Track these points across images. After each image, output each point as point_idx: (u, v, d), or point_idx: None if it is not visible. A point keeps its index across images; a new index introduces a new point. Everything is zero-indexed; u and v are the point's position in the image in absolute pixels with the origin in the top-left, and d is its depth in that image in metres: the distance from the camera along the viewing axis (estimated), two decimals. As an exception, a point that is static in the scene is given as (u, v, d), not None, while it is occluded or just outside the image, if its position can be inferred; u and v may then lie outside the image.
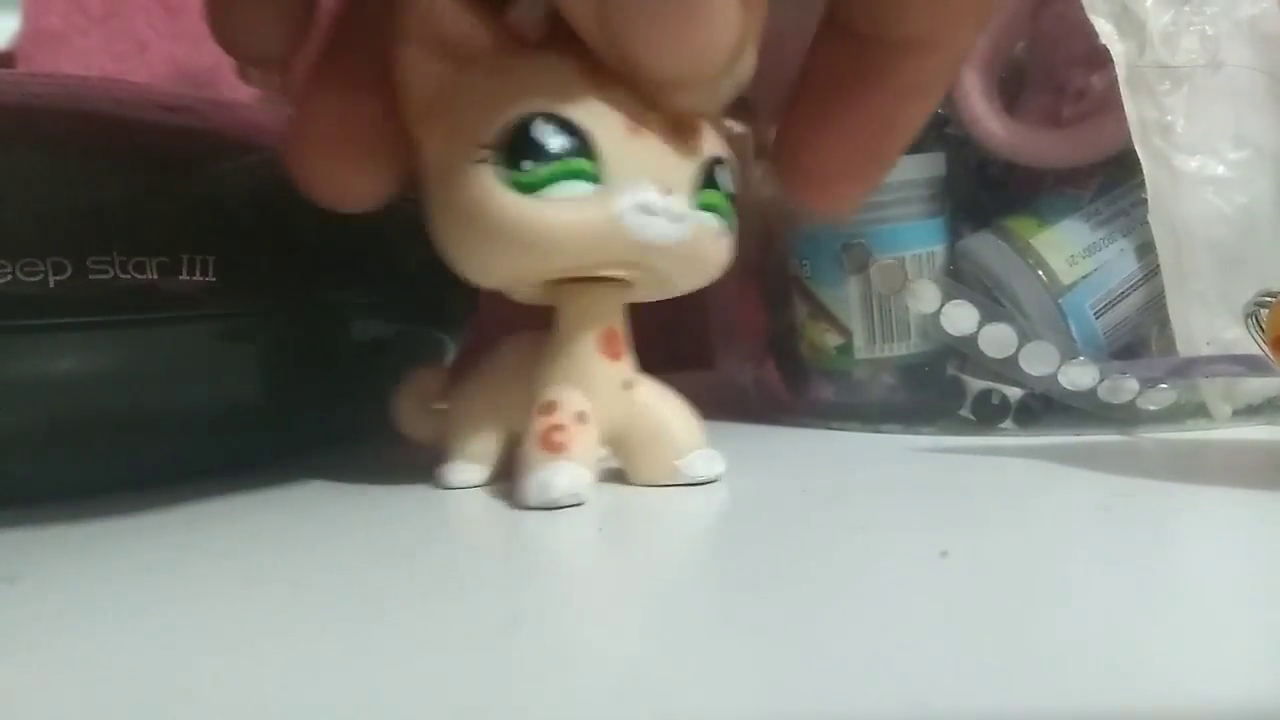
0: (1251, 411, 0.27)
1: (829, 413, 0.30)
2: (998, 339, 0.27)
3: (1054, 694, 0.11)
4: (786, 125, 0.21)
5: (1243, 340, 0.23)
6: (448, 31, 0.20)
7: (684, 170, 0.21)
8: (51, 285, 0.21)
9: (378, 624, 0.15)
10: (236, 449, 0.26)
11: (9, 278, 0.21)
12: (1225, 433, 0.26)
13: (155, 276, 0.22)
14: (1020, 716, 0.11)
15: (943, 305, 0.27)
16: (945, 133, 0.29)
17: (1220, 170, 0.25)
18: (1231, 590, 0.15)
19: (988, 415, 0.27)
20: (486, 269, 0.21)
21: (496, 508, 0.22)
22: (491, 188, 0.19)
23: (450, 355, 0.33)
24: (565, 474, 0.21)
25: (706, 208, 0.21)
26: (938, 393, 0.28)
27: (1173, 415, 0.27)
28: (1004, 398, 0.27)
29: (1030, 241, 0.27)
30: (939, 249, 0.29)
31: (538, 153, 0.19)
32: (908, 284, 0.28)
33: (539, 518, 0.20)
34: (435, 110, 0.20)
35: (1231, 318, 0.25)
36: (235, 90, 0.47)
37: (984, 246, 0.28)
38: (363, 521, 0.21)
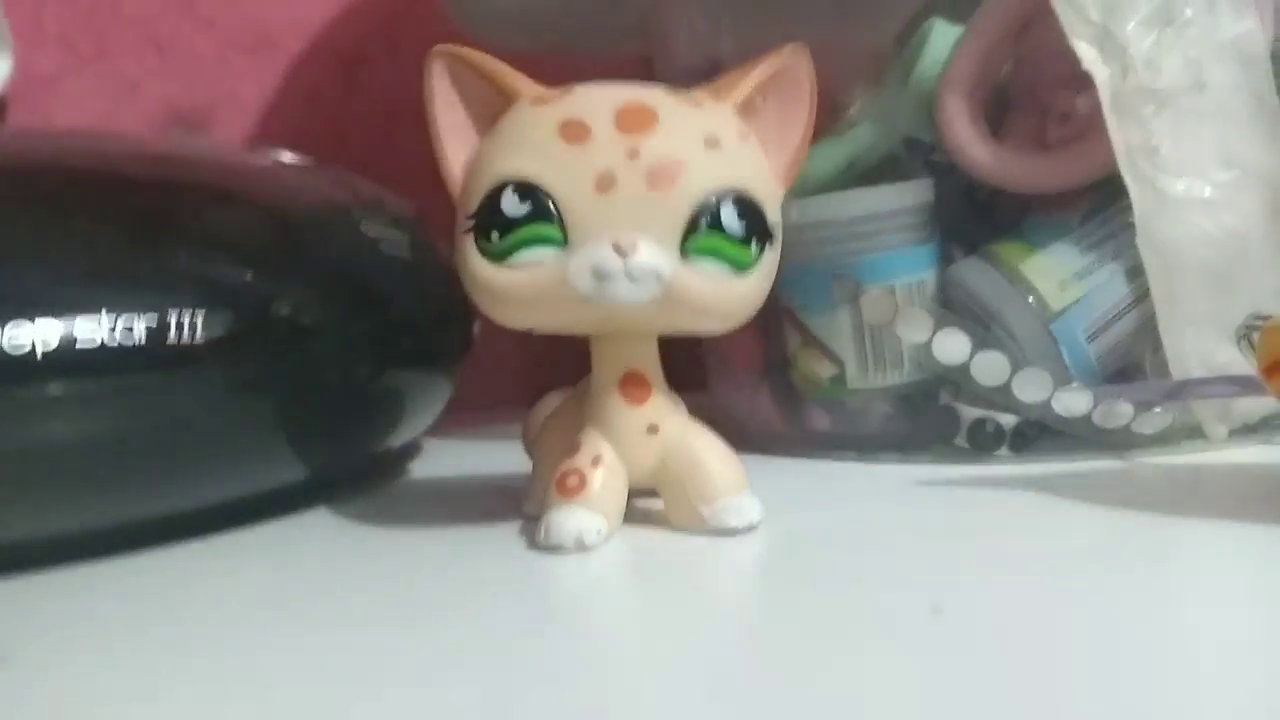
0: (1248, 431, 0.27)
1: (825, 442, 0.30)
2: (990, 367, 0.27)
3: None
4: None
5: (1236, 361, 0.23)
6: (464, 95, 0.21)
7: (667, 219, 0.20)
8: (39, 358, 0.21)
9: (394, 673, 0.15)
10: (235, 499, 0.26)
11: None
12: (1222, 455, 0.26)
13: (143, 339, 0.22)
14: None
15: (934, 334, 0.27)
16: (931, 160, 0.29)
17: (1208, 192, 0.25)
18: (1235, 636, 0.15)
19: (983, 443, 0.27)
20: (499, 319, 0.22)
21: (509, 547, 0.22)
22: (470, 256, 0.21)
23: (447, 394, 0.33)
24: (572, 518, 0.21)
25: (703, 251, 0.20)
26: (932, 421, 0.28)
27: (1168, 438, 0.27)
28: (998, 425, 0.27)
29: (1019, 267, 0.27)
30: (928, 276, 0.28)
31: (502, 222, 0.20)
32: (898, 314, 0.28)
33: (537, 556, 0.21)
34: (459, 176, 0.21)
35: (1224, 339, 0.25)
36: (227, 129, 0.47)
37: (973, 273, 0.28)
38: (371, 565, 0.21)
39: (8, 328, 0.21)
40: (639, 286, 0.20)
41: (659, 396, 0.22)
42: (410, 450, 0.37)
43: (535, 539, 0.21)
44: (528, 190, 0.20)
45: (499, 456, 0.34)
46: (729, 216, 0.21)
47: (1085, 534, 0.20)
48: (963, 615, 0.16)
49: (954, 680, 0.14)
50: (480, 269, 0.21)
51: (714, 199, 0.21)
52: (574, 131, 0.20)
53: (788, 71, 0.22)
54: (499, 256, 0.20)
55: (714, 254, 0.21)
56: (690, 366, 0.37)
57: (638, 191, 0.20)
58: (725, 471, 0.22)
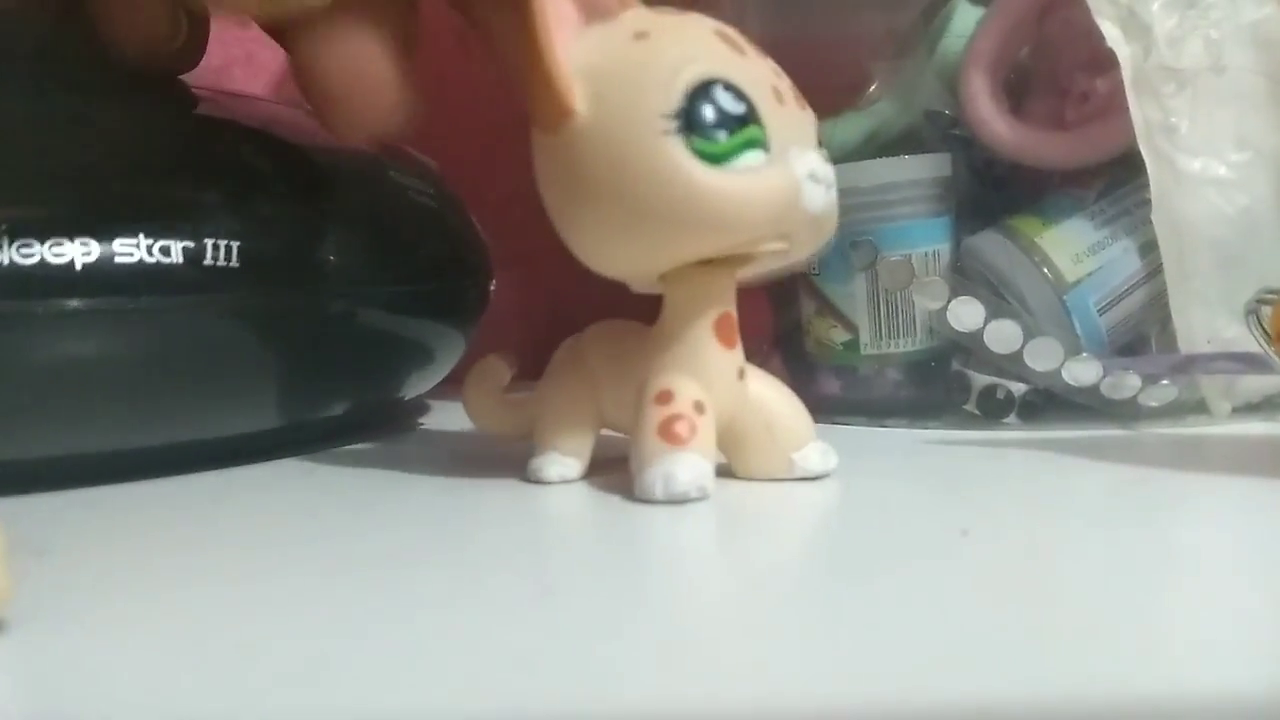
0: (1250, 409, 0.27)
1: (835, 408, 0.30)
2: (1003, 335, 0.27)
3: (1073, 671, 0.11)
4: None
5: (1243, 338, 0.24)
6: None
7: (812, 135, 0.20)
8: (78, 268, 0.21)
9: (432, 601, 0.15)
10: (254, 437, 0.26)
11: (36, 259, 0.21)
12: (1224, 428, 0.27)
13: (180, 261, 0.22)
14: (1041, 689, 0.11)
15: (949, 301, 0.28)
16: (952, 134, 0.29)
17: (1222, 171, 0.26)
18: (1235, 572, 0.15)
19: (992, 410, 0.28)
20: (649, 251, 0.19)
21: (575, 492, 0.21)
22: (681, 162, 0.18)
23: (461, 350, 0.33)
24: (690, 466, 0.19)
25: None
26: (943, 388, 0.29)
27: (1173, 411, 0.27)
28: (1008, 393, 0.28)
29: (1035, 240, 0.28)
30: (945, 247, 0.29)
31: (726, 120, 0.18)
32: (914, 280, 0.28)
33: (586, 504, 0.20)
34: (576, 79, 0.19)
35: (1232, 316, 0.26)
36: (244, 89, 0.47)
37: (990, 245, 0.28)
38: (387, 505, 0.21)
39: (49, 242, 0.21)
40: (831, 192, 0.20)
41: (740, 341, 0.21)
42: (418, 407, 0.38)
43: (642, 493, 0.20)
44: (737, 91, 0.19)
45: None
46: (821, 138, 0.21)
47: (1093, 482, 0.21)
48: (987, 538, 0.17)
49: (976, 597, 0.14)
50: (701, 175, 0.18)
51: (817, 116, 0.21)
52: (732, 43, 0.19)
53: None
54: (721, 158, 0.18)
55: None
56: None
57: (793, 108, 0.20)
58: (806, 418, 0.22)
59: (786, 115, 0.19)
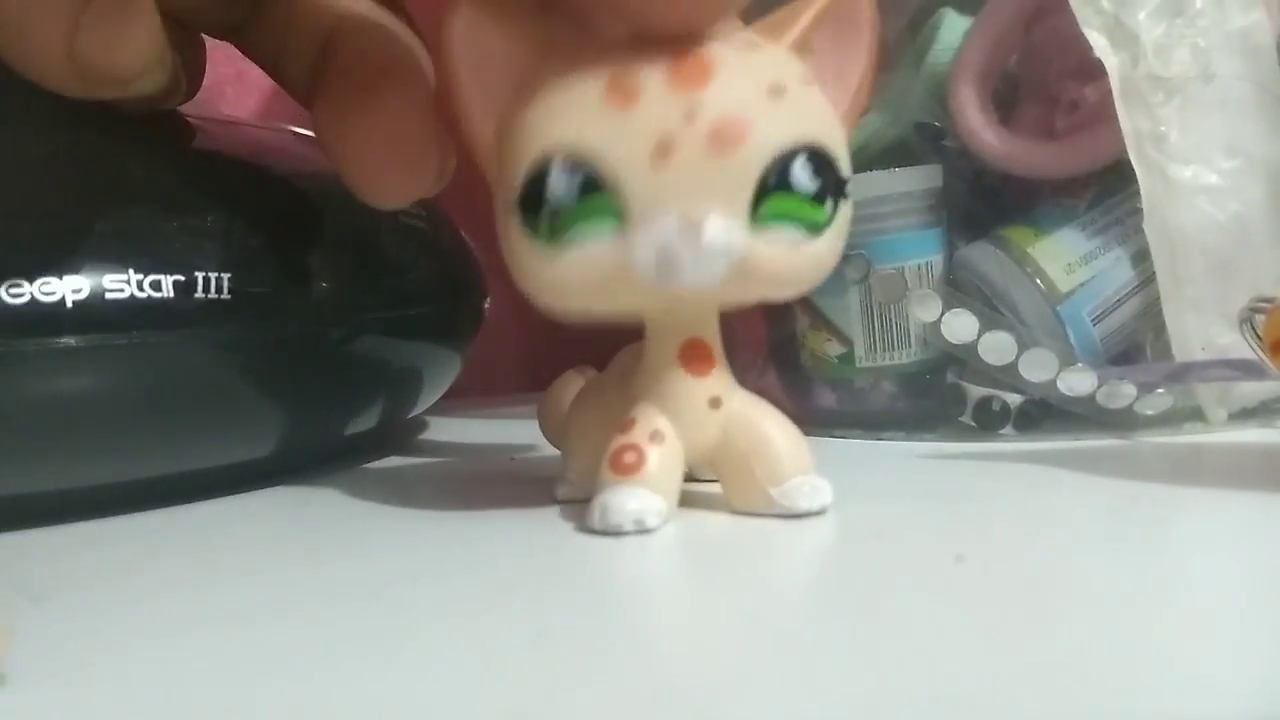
0: (1246, 414, 0.27)
1: (831, 421, 0.30)
2: (997, 347, 0.27)
3: (1071, 698, 0.11)
4: None
5: (1237, 345, 0.24)
6: (490, 52, 0.19)
7: (734, 185, 0.18)
8: (69, 305, 0.21)
9: (413, 637, 0.15)
10: (250, 465, 0.26)
11: (26, 298, 0.21)
12: (1221, 436, 0.27)
13: (171, 295, 0.22)
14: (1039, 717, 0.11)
15: (943, 314, 0.28)
16: (942, 145, 0.29)
17: (1213, 179, 0.26)
18: (1238, 590, 0.15)
19: (988, 421, 0.28)
20: (551, 306, 0.19)
21: (551, 530, 0.20)
22: (516, 240, 0.18)
23: (457, 370, 0.33)
24: (632, 499, 0.19)
25: (775, 216, 0.18)
26: (939, 400, 0.29)
27: (1169, 419, 0.27)
28: (1004, 404, 0.28)
29: (1028, 251, 0.28)
30: (937, 259, 0.29)
31: (552, 200, 0.18)
32: (908, 293, 0.28)
33: (579, 537, 0.19)
34: (492, 143, 0.19)
35: (1226, 323, 0.26)
36: (234, 109, 0.47)
37: (982, 256, 0.28)
38: (383, 537, 0.21)
39: (39, 281, 0.21)
40: (708, 266, 0.18)
41: (721, 367, 0.20)
42: (416, 425, 0.38)
43: (587, 521, 0.19)
44: (578, 162, 0.18)
45: (508, 436, 0.34)
46: (801, 175, 0.18)
47: (1090, 498, 0.21)
48: (982, 563, 0.17)
49: (971, 624, 0.14)
50: (529, 254, 0.18)
51: (784, 156, 0.18)
52: (623, 93, 0.18)
53: (843, 2, 0.20)
54: (550, 238, 0.18)
55: (786, 218, 0.18)
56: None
57: (700, 157, 0.17)
58: (794, 450, 0.20)
59: (671, 174, 0.17)
